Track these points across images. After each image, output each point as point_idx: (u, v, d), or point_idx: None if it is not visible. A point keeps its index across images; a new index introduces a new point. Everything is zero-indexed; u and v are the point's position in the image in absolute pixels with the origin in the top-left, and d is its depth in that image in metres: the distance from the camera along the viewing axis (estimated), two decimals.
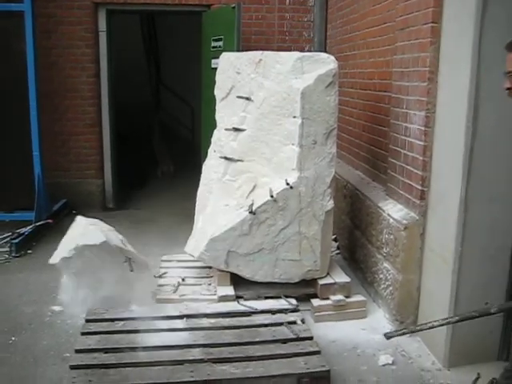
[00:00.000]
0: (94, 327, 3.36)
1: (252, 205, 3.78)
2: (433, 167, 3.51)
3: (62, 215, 6.15)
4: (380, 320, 3.90)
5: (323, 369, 3.02)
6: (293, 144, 3.75)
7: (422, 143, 3.53)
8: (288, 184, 3.75)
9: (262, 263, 3.88)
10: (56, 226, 5.76)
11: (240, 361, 3.08)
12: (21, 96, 5.44)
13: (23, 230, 5.25)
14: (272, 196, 3.73)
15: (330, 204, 3.92)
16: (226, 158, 4.06)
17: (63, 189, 6.34)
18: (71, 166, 6.50)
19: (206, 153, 5.84)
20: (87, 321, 3.44)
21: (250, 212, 3.75)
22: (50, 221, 5.56)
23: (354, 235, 4.72)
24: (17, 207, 5.60)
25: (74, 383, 2.82)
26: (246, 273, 3.92)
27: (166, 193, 7.63)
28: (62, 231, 5.71)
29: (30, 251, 5.16)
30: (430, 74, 3.43)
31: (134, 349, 3.17)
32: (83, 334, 3.28)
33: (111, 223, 6.07)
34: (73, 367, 2.97)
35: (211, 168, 4.20)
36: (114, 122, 6.66)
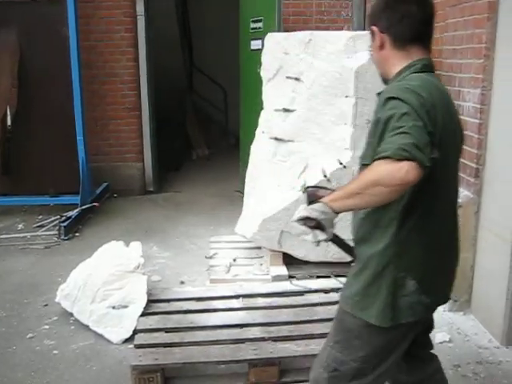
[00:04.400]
0: (152, 308, 3.42)
1: (305, 185, 3.77)
2: (488, 145, 3.47)
3: (104, 199, 6.23)
4: None
5: None
6: (346, 124, 3.74)
7: (477, 121, 3.48)
8: (341, 164, 3.75)
9: None
10: (99, 210, 5.86)
11: (301, 339, 3.12)
12: (64, 81, 5.50)
13: (70, 213, 5.35)
14: (325, 176, 3.73)
15: None
16: (276, 139, 4.07)
17: (104, 173, 6.41)
18: (111, 150, 6.56)
19: (246, 134, 5.90)
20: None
21: (303, 192, 3.74)
22: (96, 204, 5.65)
23: None
24: (61, 191, 5.68)
25: (141, 361, 2.88)
26: (298, 253, 3.94)
27: (203, 175, 7.68)
28: (106, 214, 5.86)
29: (77, 234, 5.25)
30: (486, 50, 3.38)
31: (193, 328, 3.23)
32: (143, 314, 3.34)
33: (153, 207, 6.21)
34: (137, 346, 3.03)
35: (260, 149, 4.21)
36: (153, 105, 6.69)
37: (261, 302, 3.54)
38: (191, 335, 3.14)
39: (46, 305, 3.81)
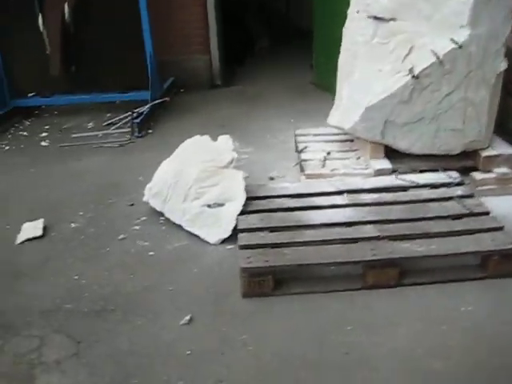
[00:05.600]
0: (251, 206, 3.14)
1: (413, 68, 3.33)
2: None
3: (171, 93, 5.89)
4: None
5: None
6: None
7: None
8: (456, 43, 3.25)
9: (420, 134, 3.49)
10: (169, 105, 5.55)
11: (419, 238, 2.81)
12: None
13: (141, 109, 5.04)
14: (438, 58, 3.26)
15: (503, 65, 3.41)
16: (374, 18, 3.56)
17: (169, 67, 6.02)
18: (176, 41, 6.12)
19: (321, 22, 5.37)
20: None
21: (412, 76, 3.31)
22: (167, 99, 5.34)
23: (507, 103, 4.19)
24: (130, 87, 5.36)
25: (251, 263, 2.64)
26: (402, 145, 3.55)
27: (269, 68, 7.23)
28: (176, 110, 5.55)
29: (150, 131, 4.98)
30: None
31: (300, 227, 2.95)
32: (242, 213, 3.07)
33: (223, 101, 5.85)
34: (243, 247, 2.79)
35: (355, 30, 3.71)
36: None
37: (367, 198, 3.21)
38: (299, 235, 2.86)
39: (131, 204, 3.59)
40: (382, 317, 2.49)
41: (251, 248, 2.76)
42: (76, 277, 2.87)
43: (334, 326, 2.44)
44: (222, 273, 2.85)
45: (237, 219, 3.05)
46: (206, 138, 3.57)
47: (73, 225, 3.39)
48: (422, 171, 3.60)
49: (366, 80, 3.55)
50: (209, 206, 3.15)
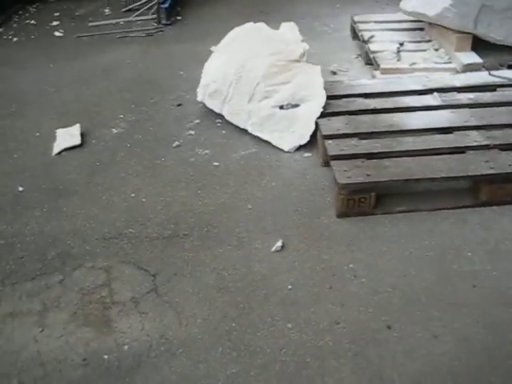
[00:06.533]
0: (330, 107, 2.66)
1: None
2: None
3: None
4: None
5: None
6: None
7: None
8: None
9: None
10: None
11: None
12: None
13: None
14: None
15: None
16: None
17: None
18: None
19: None
20: None
21: None
22: None
23: None
24: None
25: (350, 177, 2.21)
26: (496, 34, 3.03)
27: None
28: None
29: (179, 18, 4.35)
30: None
31: (393, 133, 2.50)
32: (322, 116, 2.60)
33: None
34: (334, 157, 2.34)
35: None
36: None
37: (462, 97, 2.75)
38: (396, 143, 2.42)
39: (179, 105, 3.10)
40: (504, 239, 2.11)
41: (345, 159, 2.32)
42: (133, 194, 2.44)
43: (451, 252, 2.07)
44: (306, 187, 2.43)
45: (316, 123, 2.58)
46: (263, 25, 3.02)
47: (114, 130, 2.91)
48: (510, 66, 3.11)
49: None
50: (281, 107, 2.67)
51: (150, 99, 3.16)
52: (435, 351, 1.71)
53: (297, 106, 2.64)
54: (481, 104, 2.68)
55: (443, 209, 2.28)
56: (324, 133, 2.47)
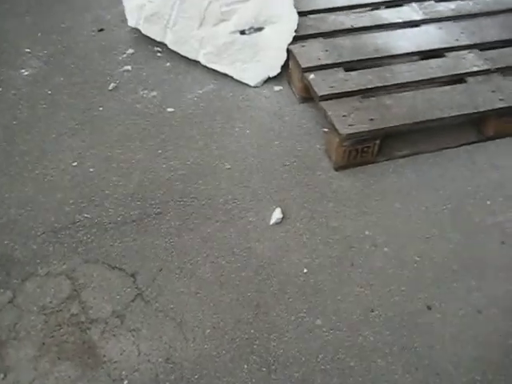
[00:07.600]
0: (299, 27, 2.20)
1: None
2: None
3: None
4: None
5: None
6: None
7: None
8: None
9: None
10: None
11: None
12: None
13: None
14: None
15: None
16: None
17: None
18: None
19: None
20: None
21: None
22: None
23: None
24: None
25: (352, 126, 1.83)
26: None
27: None
28: None
29: None
30: None
31: (382, 59, 2.12)
32: (296, 38, 2.15)
33: None
34: (324, 98, 1.93)
35: None
36: None
37: (443, 9, 2.40)
38: (389, 73, 2.05)
39: (100, 30, 2.47)
40: None
41: (337, 98, 1.92)
42: (75, 163, 1.91)
43: (470, 202, 1.83)
44: (288, 132, 2.03)
45: (287, 50, 2.13)
46: None
47: (24, 71, 2.27)
48: None
49: None
50: (242, 32, 2.16)
51: (61, 23, 2.49)
52: (484, 330, 1.50)
53: (261, 29, 2.16)
54: (466, 16, 2.35)
55: (446, 148, 2.00)
56: (303, 65, 2.03)
